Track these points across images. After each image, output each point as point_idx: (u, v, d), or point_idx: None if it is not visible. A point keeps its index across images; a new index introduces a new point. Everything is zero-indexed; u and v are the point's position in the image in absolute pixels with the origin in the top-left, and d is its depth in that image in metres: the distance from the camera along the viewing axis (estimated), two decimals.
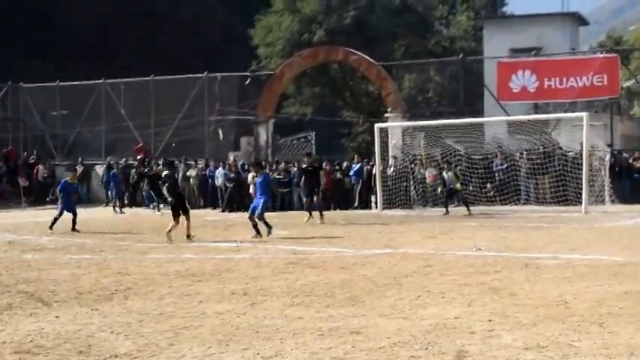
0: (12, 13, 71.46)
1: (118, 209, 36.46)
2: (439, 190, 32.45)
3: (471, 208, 31.46)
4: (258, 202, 23.06)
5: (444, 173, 32.11)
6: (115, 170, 38.83)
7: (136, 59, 69.80)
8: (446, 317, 11.02)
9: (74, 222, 25.85)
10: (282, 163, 37.78)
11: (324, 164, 36.90)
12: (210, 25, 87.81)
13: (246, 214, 23.75)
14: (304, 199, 30.61)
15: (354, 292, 13.25)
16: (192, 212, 28.16)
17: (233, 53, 68.53)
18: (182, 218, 22.59)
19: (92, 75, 47.71)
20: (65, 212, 26.10)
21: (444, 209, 31.60)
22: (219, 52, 78.22)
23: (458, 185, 31.61)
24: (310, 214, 28.56)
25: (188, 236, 22.56)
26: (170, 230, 22.22)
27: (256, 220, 22.83)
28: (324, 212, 28.93)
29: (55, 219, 25.89)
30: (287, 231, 25.24)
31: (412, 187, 34.77)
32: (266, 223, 22.83)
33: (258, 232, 22.74)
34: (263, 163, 37.04)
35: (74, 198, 27.59)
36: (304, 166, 30.49)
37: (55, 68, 60.03)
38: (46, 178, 43.52)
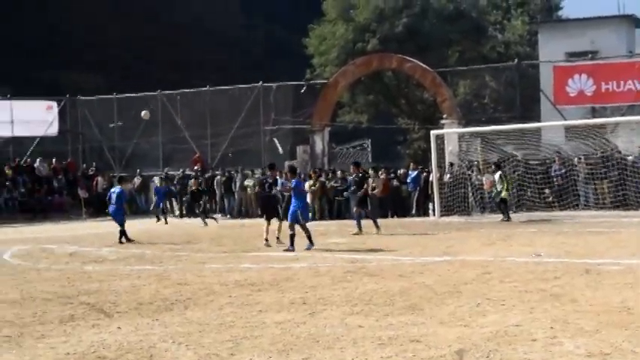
0: (68, 30, 72.50)
1: (162, 218, 36.56)
2: (503, 194, 32.08)
3: (525, 213, 31.25)
4: (294, 209, 22.24)
5: (494, 175, 31.88)
6: (157, 183, 38.96)
7: (191, 72, 70.47)
8: (507, 325, 10.93)
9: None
10: (339, 172, 37.77)
11: (380, 172, 36.87)
12: (262, 37, 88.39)
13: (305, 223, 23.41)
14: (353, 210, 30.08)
15: (414, 300, 13.19)
16: (250, 221, 28.33)
17: (286, 63, 68.86)
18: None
19: (146, 88, 48.25)
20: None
21: (502, 215, 31.33)
22: (272, 63, 78.70)
23: (499, 187, 31.30)
24: (359, 228, 27.23)
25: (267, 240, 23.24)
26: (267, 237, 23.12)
27: (300, 228, 22.24)
28: (377, 221, 27.96)
29: (120, 232, 26.09)
30: (345, 239, 25.24)
31: (470, 194, 34.55)
32: (309, 237, 22.15)
33: (292, 243, 21.85)
34: (318, 170, 37.25)
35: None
36: (352, 176, 30.24)
37: (111, 82, 60.80)
38: (105, 189, 43.92)
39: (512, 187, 32.44)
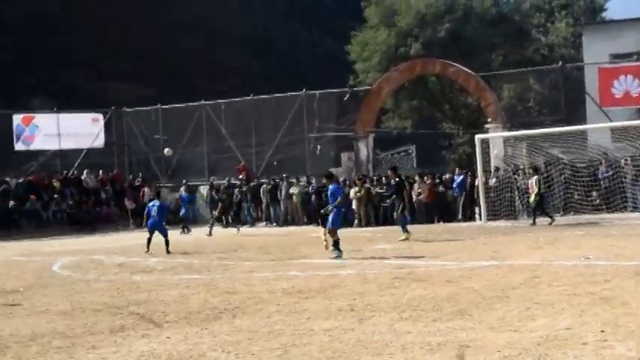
0: (113, 42, 73.20)
1: (186, 229, 36.30)
2: (531, 198, 31.94)
3: (556, 217, 31.10)
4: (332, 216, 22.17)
5: (532, 179, 31.79)
6: (184, 192, 38.90)
7: (235, 81, 70.82)
8: (556, 329, 10.87)
9: (149, 241, 26.55)
10: (384, 178, 37.73)
11: (425, 177, 36.85)
12: (306, 45, 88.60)
13: (349, 230, 23.37)
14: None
15: (462, 305, 13.15)
16: (296, 229, 28.37)
17: (329, 71, 68.95)
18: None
19: (190, 99, 48.59)
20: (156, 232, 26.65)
21: (548, 219, 31.10)
22: (316, 70, 78.81)
23: (536, 190, 31.20)
24: (406, 232, 27.05)
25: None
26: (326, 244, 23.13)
27: (330, 234, 22.25)
28: (407, 227, 27.47)
29: (166, 242, 26.41)
30: (391, 245, 25.21)
31: (516, 197, 34.33)
32: (337, 243, 21.95)
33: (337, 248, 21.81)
34: (362, 176, 37.24)
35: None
36: (392, 182, 29.95)
37: (155, 93, 61.28)
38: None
39: (543, 191, 32.12)
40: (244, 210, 41.50)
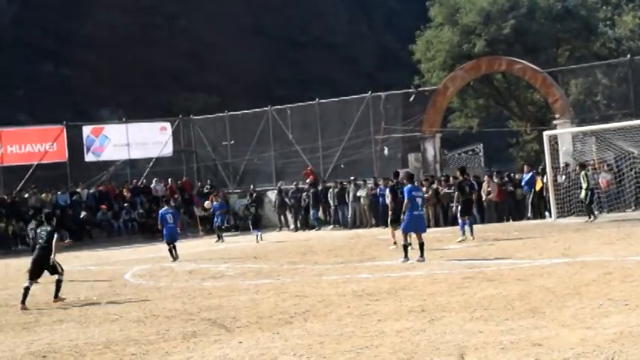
0: (177, 52, 74.00)
1: (221, 237, 36.18)
2: (582, 194, 31.66)
3: (628, 212, 30.75)
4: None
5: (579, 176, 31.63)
6: (220, 200, 38.67)
7: (292, 87, 71.08)
8: (630, 325, 10.72)
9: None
10: (452, 178, 37.52)
11: (493, 176, 36.58)
12: (370, 46, 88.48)
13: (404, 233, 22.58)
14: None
15: (534, 303, 13.05)
16: (364, 231, 28.36)
17: (394, 71, 68.77)
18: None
19: (254, 105, 48.86)
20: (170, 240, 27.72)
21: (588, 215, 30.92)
22: (381, 71, 78.70)
23: (584, 185, 30.99)
24: (464, 233, 26.72)
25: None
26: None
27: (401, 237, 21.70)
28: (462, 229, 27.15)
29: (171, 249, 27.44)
30: (461, 245, 25.09)
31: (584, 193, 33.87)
32: (404, 247, 21.44)
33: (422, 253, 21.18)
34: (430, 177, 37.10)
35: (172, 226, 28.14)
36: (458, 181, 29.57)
37: (219, 102, 61.81)
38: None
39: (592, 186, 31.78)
40: (311, 214, 41.49)
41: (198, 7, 78.07)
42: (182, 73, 74.11)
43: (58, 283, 18.38)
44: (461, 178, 28.55)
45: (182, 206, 44.80)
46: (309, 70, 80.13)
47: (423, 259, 20.87)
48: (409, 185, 21.94)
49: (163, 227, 27.88)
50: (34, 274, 18.47)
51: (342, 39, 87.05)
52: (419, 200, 21.76)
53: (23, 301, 17.66)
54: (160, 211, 29.10)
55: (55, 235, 18.21)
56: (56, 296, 18.29)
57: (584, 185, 31.15)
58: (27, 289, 17.89)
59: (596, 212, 32.32)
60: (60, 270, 18.33)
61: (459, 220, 27.44)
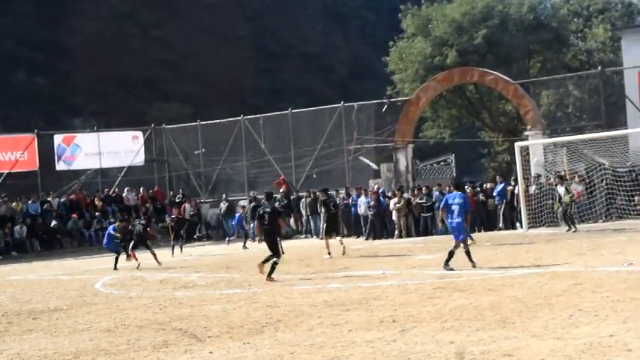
0: (150, 61, 73.87)
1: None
2: (555, 206, 32.00)
3: (615, 222, 30.81)
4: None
5: (557, 187, 31.87)
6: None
7: (267, 96, 71.16)
8: (600, 336, 10.77)
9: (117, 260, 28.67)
10: (424, 188, 37.61)
11: (465, 187, 36.69)
12: (339, 56, 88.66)
13: (389, 241, 22.57)
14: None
15: (505, 313, 13.08)
16: (336, 241, 28.39)
17: (366, 82, 68.97)
18: None
19: (229, 115, 48.84)
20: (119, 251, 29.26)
21: (567, 227, 31.11)
22: (353, 82, 78.87)
23: (566, 199, 31.24)
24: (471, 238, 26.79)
25: None
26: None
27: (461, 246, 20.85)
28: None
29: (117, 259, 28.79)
30: (432, 255, 25.12)
31: (557, 205, 34.05)
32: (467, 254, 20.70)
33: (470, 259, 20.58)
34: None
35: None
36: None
37: (193, 109, 61.77)
38: (192, 215, 44.45)
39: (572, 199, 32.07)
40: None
41: (173, 17, 78.03)
42: (156, 82, 74.04)
43: None
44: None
45: (154, 215, 44.62)
46: (284, 80, 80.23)
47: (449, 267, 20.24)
48: (456, 193, 21.42)
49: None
50: None
51: (316, 49, 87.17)
52: (455, 208, 21.00)
53: None
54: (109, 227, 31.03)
55: None
56: None
57: (566, 197, 31.34)
58: None
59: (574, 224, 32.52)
60: None
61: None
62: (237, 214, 39.21)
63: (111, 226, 30.75)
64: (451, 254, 20.42)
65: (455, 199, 21.21)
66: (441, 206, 21.34)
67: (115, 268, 28.33)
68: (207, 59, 76.64)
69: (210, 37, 78.82)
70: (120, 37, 75.08)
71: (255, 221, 24.34)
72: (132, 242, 30.09)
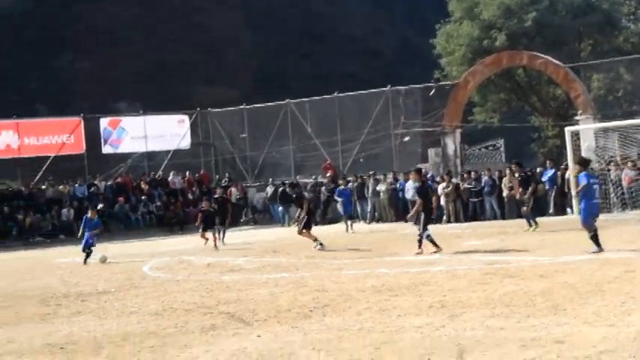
0: (196, 44, 74.08)
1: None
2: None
3: None
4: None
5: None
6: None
7: (311, 80, 70.98)
8: None
9: (87, 257, 26.60)
10: (472, 172, 37.33)
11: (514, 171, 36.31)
12: (391, 40, 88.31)
13: (437, 226, 22.35)
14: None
15: (556, 300, 12.88)
16: (384, 226, 28.24)
17: (414, 65, 68.58)
18: None
19: (272, 99, 48.77)
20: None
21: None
22: (401, 66, 78.50)
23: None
24: (529, 223, 27.73)
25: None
26: None
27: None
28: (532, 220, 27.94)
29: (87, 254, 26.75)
30: (481, 241, 24.92)
31: (610, 190, 33.59)
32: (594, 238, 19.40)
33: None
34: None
35: (93, 233, 27.38)
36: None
37: (240, 93, 61.75)
38: (239, 199, 44.54)
39: None
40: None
41: (218, 1, 78.17)
42: (200, 67, 74.22)
43: None
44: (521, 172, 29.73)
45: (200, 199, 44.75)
46: (328, 64, 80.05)
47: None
48: (584, 172, 20.17)
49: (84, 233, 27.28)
50: None
51: (362, 32, 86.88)
52: (596, 187, 20.04)
53: None
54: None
55: None
56: None
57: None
58: None
59: (618, 209, 31.99)
60: None
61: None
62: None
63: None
64: (595, 236, 19.33)
65: (593, 178, 20.29)
66: (580, 186, 19.87)
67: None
68: (250, 44, 76.74)
69: (254, 21, 78.89)
70: (163, 22, 75.40)
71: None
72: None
